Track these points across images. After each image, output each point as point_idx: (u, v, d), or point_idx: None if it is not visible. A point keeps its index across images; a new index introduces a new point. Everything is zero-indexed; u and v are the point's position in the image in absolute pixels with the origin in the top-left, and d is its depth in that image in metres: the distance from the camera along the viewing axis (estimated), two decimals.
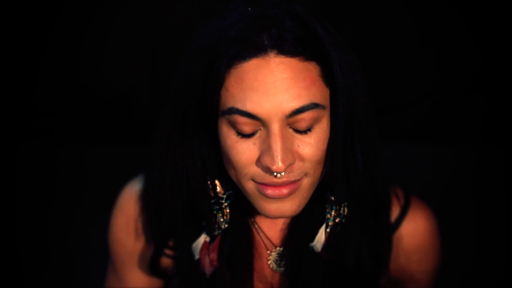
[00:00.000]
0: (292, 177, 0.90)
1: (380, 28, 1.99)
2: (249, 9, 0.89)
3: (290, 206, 0.92)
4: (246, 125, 0.88)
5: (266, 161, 0.88)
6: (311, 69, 0.87)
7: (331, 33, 0.91)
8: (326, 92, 0.90)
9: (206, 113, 0.91)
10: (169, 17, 1.95)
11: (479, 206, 1.89)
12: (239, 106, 0.86)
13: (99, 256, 1.43)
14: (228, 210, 1.02)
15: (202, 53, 0.90)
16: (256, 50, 0.85)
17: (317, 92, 0.88)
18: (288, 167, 0.89)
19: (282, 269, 1.06)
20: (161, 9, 1.95)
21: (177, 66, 0.97)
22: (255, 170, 0.91)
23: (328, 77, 0.89)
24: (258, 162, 0.90)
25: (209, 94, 0.89)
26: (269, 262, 1.06)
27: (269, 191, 0.91)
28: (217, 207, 1.02)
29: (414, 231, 1.06)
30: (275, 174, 0.88)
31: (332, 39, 0.90)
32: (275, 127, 0.87)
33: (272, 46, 0.86)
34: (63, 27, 1.96)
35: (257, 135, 0.89)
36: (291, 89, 0.85)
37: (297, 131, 0.89)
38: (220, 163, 0.97)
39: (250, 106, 0.86)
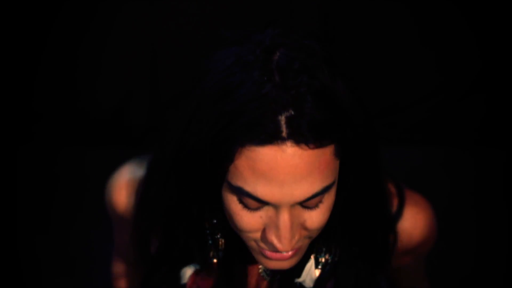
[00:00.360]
0: (295, 245, 0.89)
1: (380, 30, 1.99)
2: (265, 78, 0.80)
3: (289, 262, 0.92)
4: (253, 204, 0.85)
5: (273, 240, 0.86)
6: (326, 153, 0.82)
7: (350, 101, 0.84)
8: (337, 164, 0.85)
9: (209, 176, 0.86)
10: (169, 21, 1.96)
11: (479, 208, 1.89)
12: (249, 189, 0.83)
13: (100, 259, 1.43)
14: (223, 241, 1.01)
15: (210, 124, 0.82)
16: (272, 138, 0.79)
17: (330, 172, 0.84)
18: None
19: (269, 278, 1.06)
20: (161, 13, 1.96)
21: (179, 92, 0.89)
22: (259, 237, 0.89)
23: (340, 150, 0.85)
24: (263, 233, 0.88)
25: (214, 165, 0.84)
26: (260, 270, 1.06)
27: (271, 255, 0.90)
28: (212, 237, 1.01)
29: (412, 228, 1.04)
30: (280, 251, 0.88)
31: (350, 111, 0.83)
32: (285, 212, 0.84)
33: (289, 135, 0.79)
34: (63, 30, 1.96)
35: (264, 209, 0.86)
36: (305, 178, 0.81)
37: (306, 207, 0.86)
38: (219, 204, 0.93)
39: (261, 193, 0.82)
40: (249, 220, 0.87)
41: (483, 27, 1.96)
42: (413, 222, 1.04)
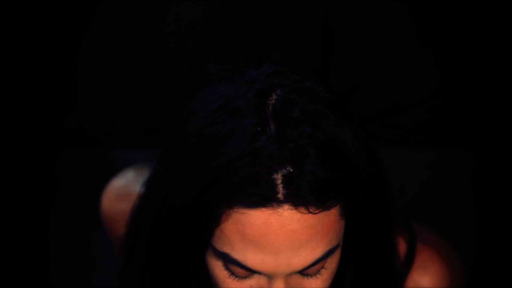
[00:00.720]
0: None
1: (380, 31, 1.99)
2: (258, 128, 0.67)
3: None
4: (242, 273, 0.73)
5: None
6: (331, 214, 0.70)
7: (359, 151, 0.72)
8: (342, 224, 0.73)
9: (191, 238, 0.74)
10: (169, 22, 1.96)
11: (480, 210, 1.89)
12: (238, 257, 0.70)
13: (100, 260, 1.43)
14: None
15: (192, 181, 0.70)
16: (266, 200, 0.67)
17: (334, 235, 0.71)
18: None
19: None
20: (161, 14, 1.95)
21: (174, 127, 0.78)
22: None
23: (347, 208, 0.73)
24: None
25: (197, 227, 0.72)
26: None
27: None
28: None
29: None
30: None
31: (359, 164, 0.71)
32: (280, 283, 0.72)
33: (286, 197, 0.67)
34: (62, 31, 1.96)
35: (255, 277, 0.73)
36: (305, 245, 0.69)
37: (305, 274, 0.74)
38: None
39: (252, 262, 0.70)
40: None
41: (484, 27, 1.96)
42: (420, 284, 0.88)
